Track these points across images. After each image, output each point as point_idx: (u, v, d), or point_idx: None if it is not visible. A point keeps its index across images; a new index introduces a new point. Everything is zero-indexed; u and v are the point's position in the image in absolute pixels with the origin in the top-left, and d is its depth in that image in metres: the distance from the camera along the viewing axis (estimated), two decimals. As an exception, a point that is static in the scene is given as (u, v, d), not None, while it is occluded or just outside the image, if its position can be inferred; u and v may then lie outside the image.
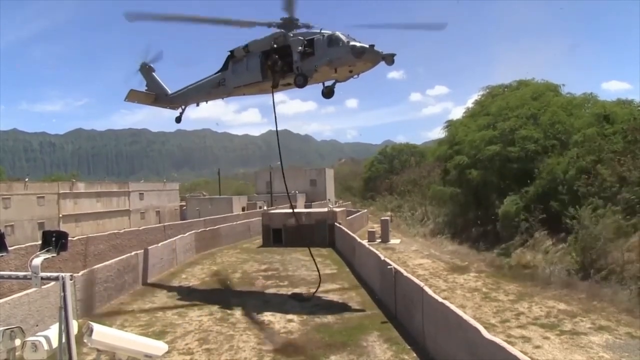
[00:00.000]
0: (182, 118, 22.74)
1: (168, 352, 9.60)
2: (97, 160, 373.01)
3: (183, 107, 22.53)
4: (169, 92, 22.56)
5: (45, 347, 4.51)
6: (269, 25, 17.90)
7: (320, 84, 18.71)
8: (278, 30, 17.92)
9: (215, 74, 20.52)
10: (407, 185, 63.46)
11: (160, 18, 20.09)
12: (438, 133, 43.49)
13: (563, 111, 27.72)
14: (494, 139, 29.42)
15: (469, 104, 67.06)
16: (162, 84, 22.83)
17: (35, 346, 4.49)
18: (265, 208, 50.65)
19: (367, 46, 16.24)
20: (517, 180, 27.10)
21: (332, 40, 16.89)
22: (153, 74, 22.86)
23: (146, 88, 22.80)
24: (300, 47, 17.33)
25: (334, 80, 18.51)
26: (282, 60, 17.88)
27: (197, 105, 22.27)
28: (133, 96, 22.15)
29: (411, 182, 62.12)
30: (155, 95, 22.62)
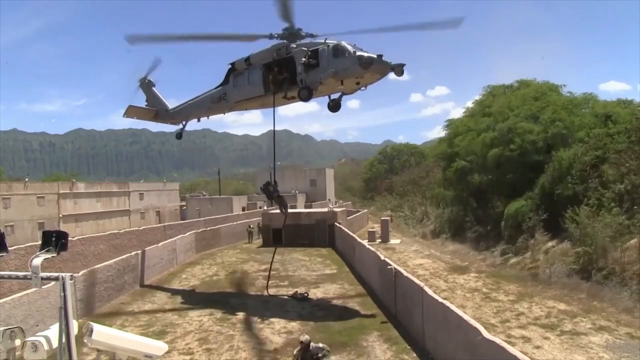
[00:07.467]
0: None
1: (168, 352, 9.61)
2: (97, 160, 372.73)
3: (184, 122, 21.96)
4: (169, 107, 21.98)
5: (45, 347, 4.52)
6: (271, 37, 17.14)
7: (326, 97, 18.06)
8: (281, 42, 17.19)
9: (216, 87, 19.76)
10: (407, 185, 63.51)
11: (161, 39, 18.99)
12: (438, 132, 43.49)
13: (563, 110, 27.66)
14: (495, 141, 29.35)
15: (469, 104, 66.89)
16: (163, 99, 22.28)
17: (35, 346, 4.50)
18: (265, 208, 50.67)
19: (374, 56, 15.28)
20: (519, 180, 26.98)
21: (338, 51, 15.97)
22: (153, 88, 22.29)
23: (146, 103, 22.28)
24: (303, 59, 16.45)
25: (340, 93, 17.78)
26: (285, 72, 17.11)
27: (198, 120, 21.62)
28: (132, 112, 21.63)
29: (411, 182, 62.17)
30: (156, 111, 22.07)
